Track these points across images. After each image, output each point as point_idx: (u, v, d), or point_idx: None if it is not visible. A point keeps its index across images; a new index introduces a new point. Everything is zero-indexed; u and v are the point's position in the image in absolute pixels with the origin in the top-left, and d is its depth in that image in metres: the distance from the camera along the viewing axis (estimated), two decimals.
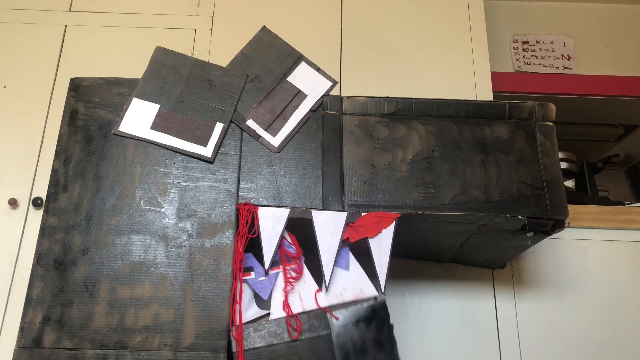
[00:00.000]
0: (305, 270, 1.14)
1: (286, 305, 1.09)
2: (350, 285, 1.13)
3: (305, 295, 1.11)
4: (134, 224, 1.12)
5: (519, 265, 1.60)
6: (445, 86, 1.69)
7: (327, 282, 1.12)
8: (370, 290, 1.13)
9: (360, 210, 1.16)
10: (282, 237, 1.13)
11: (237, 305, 1.06)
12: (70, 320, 1.05)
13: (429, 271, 1.57)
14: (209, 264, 1.10)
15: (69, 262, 1.09)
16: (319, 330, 1.07)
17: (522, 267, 1.60)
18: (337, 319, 1.08)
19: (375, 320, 1.11)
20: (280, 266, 1.13)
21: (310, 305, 1.10)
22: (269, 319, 1.08)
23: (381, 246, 1.14)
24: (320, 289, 1.12)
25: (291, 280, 1.12)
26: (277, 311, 1.09)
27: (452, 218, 1.18)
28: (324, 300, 1.11)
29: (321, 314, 1.09)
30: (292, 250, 1.14)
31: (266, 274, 1.12)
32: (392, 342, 1.11)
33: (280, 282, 1.12)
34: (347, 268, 1.15)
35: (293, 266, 1.13)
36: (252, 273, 1.12)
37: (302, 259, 1.14)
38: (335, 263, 1.13)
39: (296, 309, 1.10)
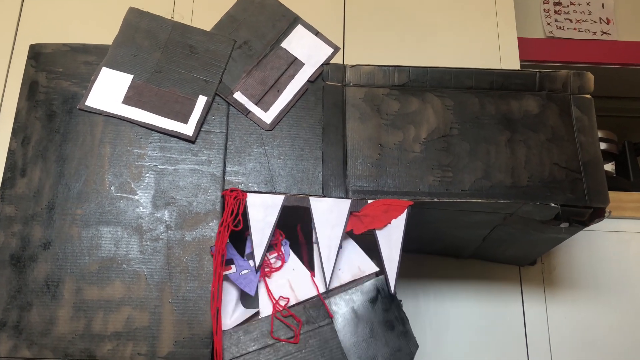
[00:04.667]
0: (293, 257, 1.11)
1: (272, 298, 1.04)
2: (345, 264, 1.10)
3: (296, 285, 1.08)
4: (103, 213, 1.09)
5: (551, 262, 1.57)
6: (465, 54, 1.68)
7: (327, 281, 1.07)
8: (369, 267, 1.11)
9: (366, 197, 1.13)
10: (274, 228, 1.09)
11: (217, 308, 1.01)
12: (30, 325, 1.02)
13: (446, 269, 1.54)
14: (190, 260, 1.06)
15: (28, 258, 1.06)
16: (318, 321, 1.04)
17: (554, 264, 1.56)
18: (332, 317, 1.04)
19: (380, 298, 1.08)
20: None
21: (304, 295, 1.06)
22: (259, 317, 1.04)
23: (391, 239, 1.10)
24: (313, 273, 1.09)
25: (269, 271, 1.08)
26: (267, 308, 1.05)
27: (473, 206, 1.15)
28: (321, 286, 1.07)
29: (318, 302, 1.06)
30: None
31: (257, 270, 1.07)
32: (403, 320, 1.08)
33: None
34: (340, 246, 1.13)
35: (274, 254, 1.10)
36: (233, 267, 1.08)
37: (286, 243, 1.11)
38: None
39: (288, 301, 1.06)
